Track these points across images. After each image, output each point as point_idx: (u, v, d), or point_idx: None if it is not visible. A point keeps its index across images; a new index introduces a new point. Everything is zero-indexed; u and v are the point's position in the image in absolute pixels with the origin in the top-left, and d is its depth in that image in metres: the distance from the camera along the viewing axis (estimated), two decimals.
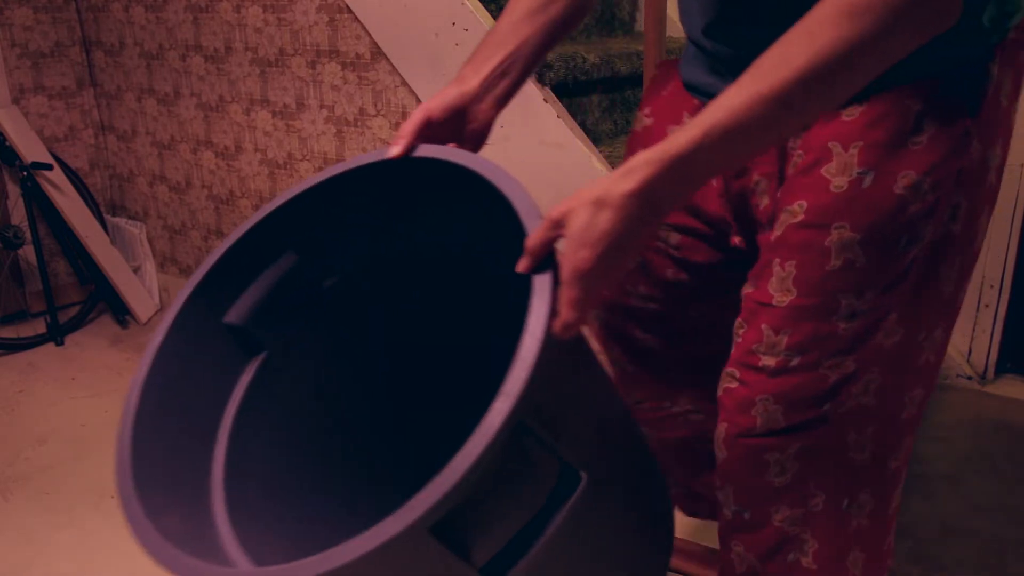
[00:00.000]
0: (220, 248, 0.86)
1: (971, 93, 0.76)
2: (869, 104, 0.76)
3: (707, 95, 0.84)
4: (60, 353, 2.53)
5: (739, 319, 0.86)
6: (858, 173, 0.76)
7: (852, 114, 0.77)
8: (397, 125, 1.91)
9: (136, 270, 2.77)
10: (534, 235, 0.67)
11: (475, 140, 0.85)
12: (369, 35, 1.90)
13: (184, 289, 0.84)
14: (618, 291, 1.03)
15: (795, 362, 0.81)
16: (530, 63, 0.86)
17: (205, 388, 0.84)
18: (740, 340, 0.86)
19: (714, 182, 0.91)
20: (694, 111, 0.92)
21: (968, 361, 2.14)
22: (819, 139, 0.78)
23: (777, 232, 0.81)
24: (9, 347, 2.51)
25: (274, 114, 2.18)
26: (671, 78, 1.00)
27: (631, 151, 1.01)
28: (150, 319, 2.74)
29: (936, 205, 0.76)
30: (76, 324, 2.67)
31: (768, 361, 0.82)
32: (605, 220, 0.65)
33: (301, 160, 2.17)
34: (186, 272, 2.68)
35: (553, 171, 1.66)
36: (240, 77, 2.23)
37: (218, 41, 2.25)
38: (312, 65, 2.05)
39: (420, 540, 0.59)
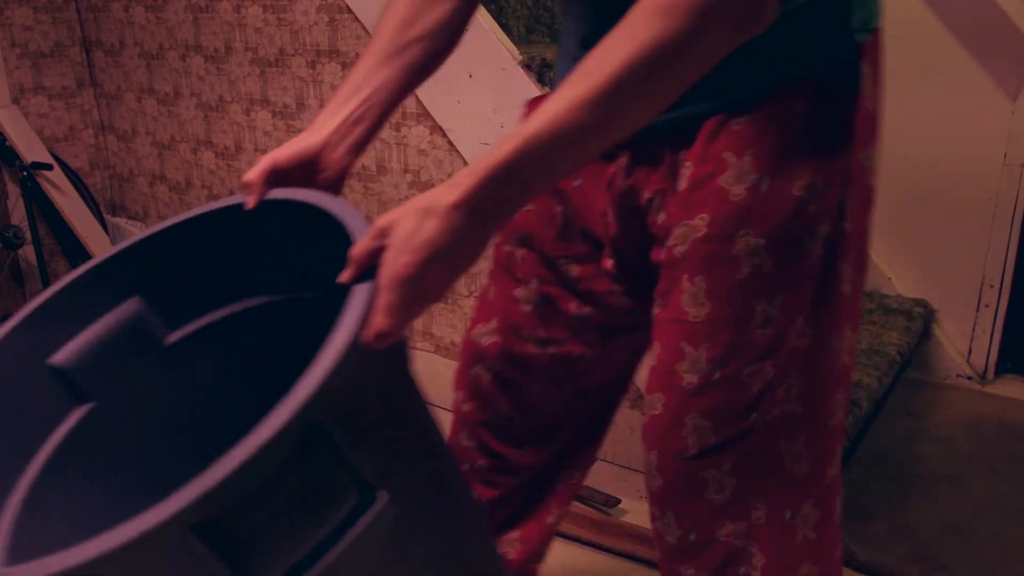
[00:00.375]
0: (54, 286, 0.80)
1: (848, 91, 0.78)
2: (754, 112, 0.76)
3: None
4: None
5: (653, 342, 0.86)
6: (755, 180, 0.76)
7: (740, 123, 0.77)
8: (397, 125, 1.91)
9: None
10: (358, 245, 0.66)
11: (329, 187, 0.84)
12: (369, 35, 1.90)
13: (7, 322, 0.78)
14: (514, 340, 1.00)
15: (717, 376, 0.81)
16: (387, 108, 0.86)
17: (14, 429, 0.77)
18: (656, 362, 0.85)
19: (600, 203, 0.89)
20: None
21: (968, 361, 2.14)
22: (711, 151, 0.78)
23: (681, 247, 0.80)
24: None
25: (274, 114, 2.19)
26: None
27: None
28: None
29: (829, 204, 0.78)
30: None
31: (691, 379, 0.81)
32: (429, 229, 0.64)
33: None
34: None
35: None
36: (240, 77, 2.24)
37: (218, 41, 2.25)
38: (312, 65, 2.05)
39: (181, 541, 0.53)
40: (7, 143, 2.51)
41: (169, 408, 0.89)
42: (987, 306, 2.07)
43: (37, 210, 2.58)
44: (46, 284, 2.57)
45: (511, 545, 1.15)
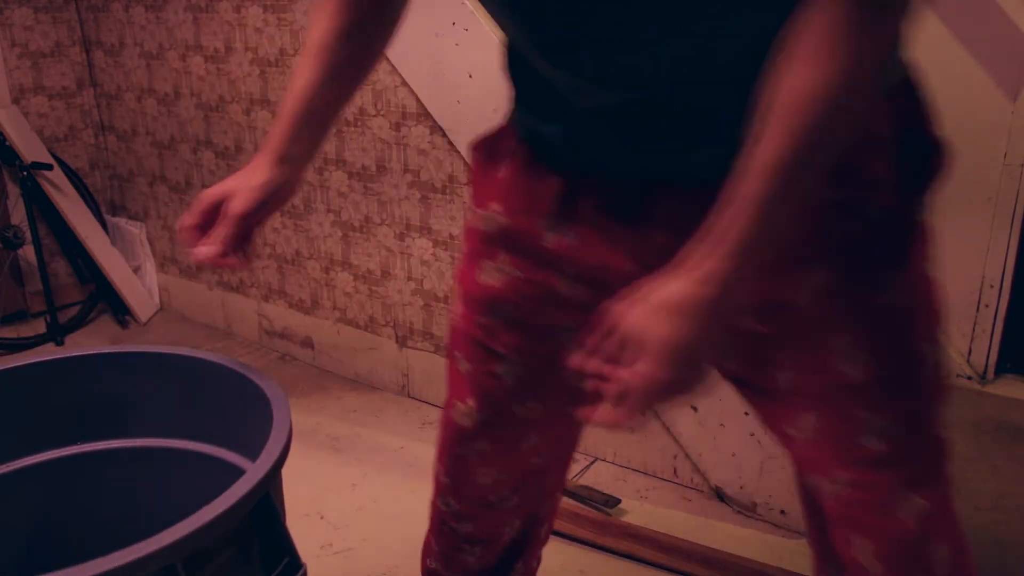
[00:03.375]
0: None
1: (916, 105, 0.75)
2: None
3: (558, 144, 0.75)
4: (60, 352, 2.53)
5: (797, 410, 0.76)
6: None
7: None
8: (397, 125, 1.91)
9: (136, 270, 2.77)
10: (593, 348, 0.63)
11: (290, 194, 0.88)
12: None
13: None
14: (497, 415, 0.91)
15: (909, 437, 0.73)
16: (335, 117, 0.89)
17: None
18: (821, 435, 0.75)
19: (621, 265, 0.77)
20: (555, 189, 0.78)
21: (968, 361, 2.14)
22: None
23: (812, 306, 0.71)
24: (9, 347, 2.51)
25: (274, 114, 2.18)
26: (498, 158, 0.84)
27: (480, 252, 0.86)
28: (150, 319, 2.73)
29: (927, 222, 0.77)
30: (76, 324, 2.67)
31: (880, 446, 0.72)
32: (686, 334, 0.59)
33: None
34: (186, 273, 2.67)
35: None
36: (240, 77, 2.23)
37: (218, 41, 2.25)
38: None
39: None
40: (7, 143, 2.51)
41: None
42: (987, 306, 2.07)
43: (37, 210, 2.58)
44: (46, 284, 2.58)
45: None
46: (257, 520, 0.73)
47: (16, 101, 2.60)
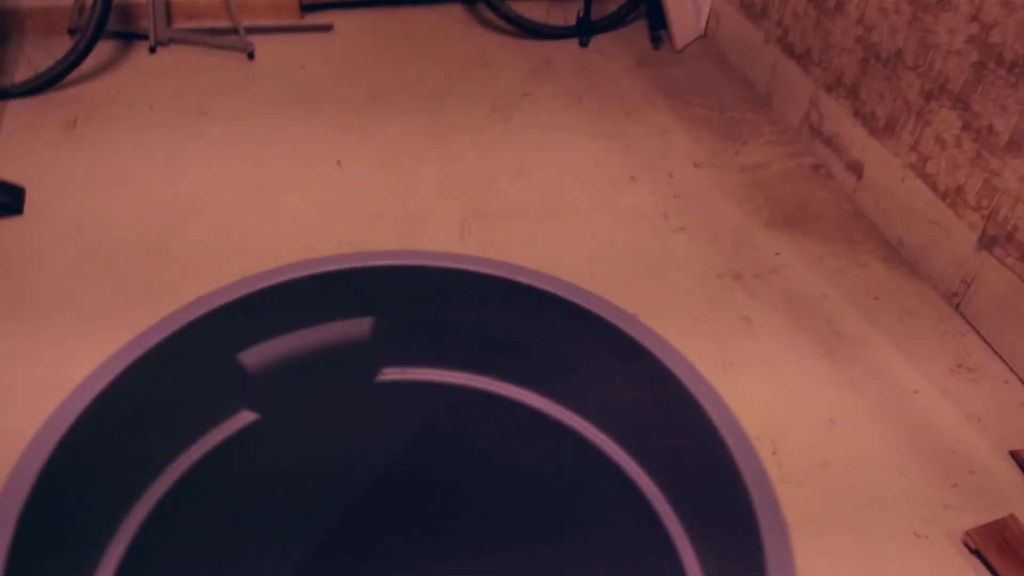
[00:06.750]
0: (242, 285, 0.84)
1: None
2: None
3: None
4: (578, 55, 2.21)
5: None
6: None
7: None
8: None
9: None
10: None
11: None
12: None
13: (185, 312, 0.85)
14: None
15: None
16: None
17: (187, 404, 0.80)
18: None
19: None
20: None
21: None
22: None
23: None
24: (536, 33, 2.25)
25: None
26: None
27: None
28: (686, 47, 2.28)
29: None
30: (608, 25, 2.31)
31: None
32: None
33: None
34: (746, 10, 2.11)
35: None
36: None
37: None
38: None
39: None
40: None
41: (343, 440, 0.86)
42: None
43: None
44: None
45: None
46: None
47: None
